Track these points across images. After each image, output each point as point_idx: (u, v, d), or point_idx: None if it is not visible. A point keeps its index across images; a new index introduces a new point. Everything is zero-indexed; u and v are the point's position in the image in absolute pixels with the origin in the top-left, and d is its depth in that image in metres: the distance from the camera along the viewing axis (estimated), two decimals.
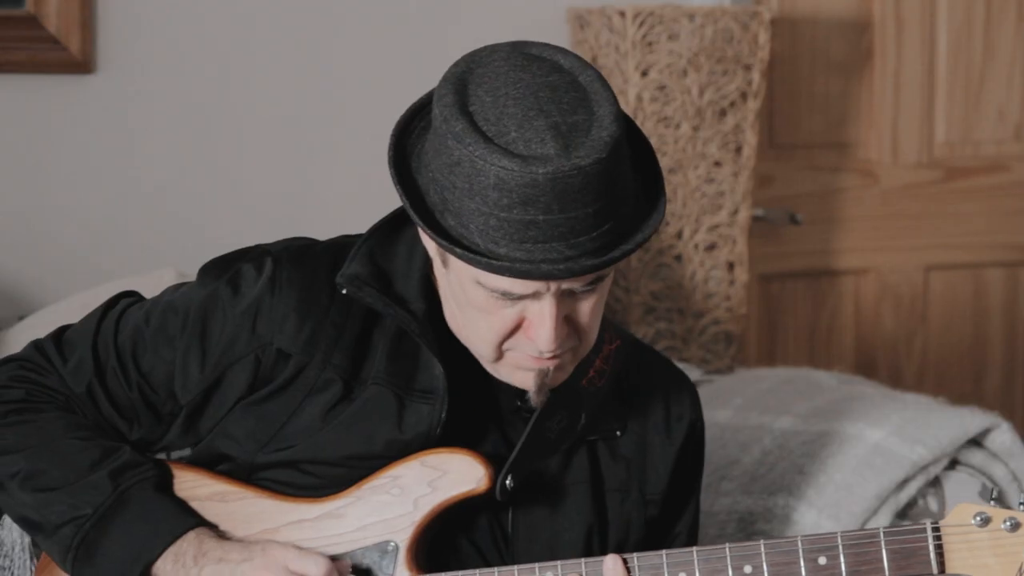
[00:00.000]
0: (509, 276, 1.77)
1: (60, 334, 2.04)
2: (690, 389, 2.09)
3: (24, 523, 1.96)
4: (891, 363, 4.04)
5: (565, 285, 1.80)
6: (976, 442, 2.72)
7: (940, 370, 4.08)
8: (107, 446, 1.96)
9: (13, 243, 3.12)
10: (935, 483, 2.68)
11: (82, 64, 3.13)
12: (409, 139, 1.88)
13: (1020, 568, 1.84)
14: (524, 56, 1.81)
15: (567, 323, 1.83)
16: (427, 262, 1.95)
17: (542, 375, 1.86)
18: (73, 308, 2.77)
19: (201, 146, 3.27)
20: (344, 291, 1.93)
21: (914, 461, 2.63)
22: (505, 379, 1.91)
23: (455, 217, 1.78)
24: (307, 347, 1.93)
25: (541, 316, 1.80)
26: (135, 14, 3.19)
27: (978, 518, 1.84)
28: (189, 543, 1.91)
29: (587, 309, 1.84)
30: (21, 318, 2.94)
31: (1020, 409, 4.17)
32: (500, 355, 1.86)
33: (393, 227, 1.99)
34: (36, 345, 2.04)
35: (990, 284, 4.12)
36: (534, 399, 1.89)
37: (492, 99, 1.77)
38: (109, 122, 3.19)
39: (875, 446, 2.66)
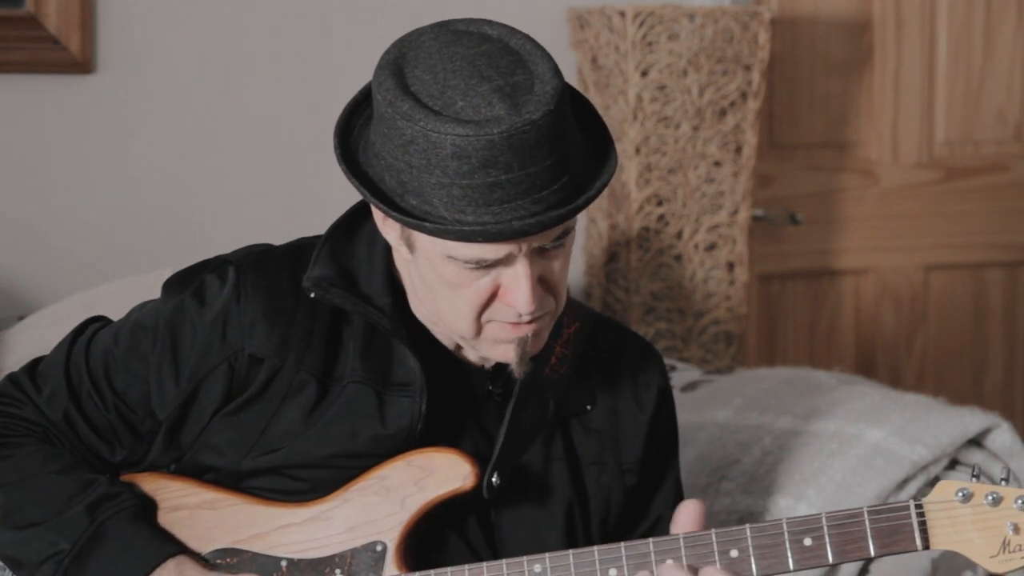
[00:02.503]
0: (482, 241, 1.78)
1: (34, 366, 2.05)
2: (655, 357, 2.11)
3: (8, 562, 1.96)
4: (891, 363, 4.04)
5: (536, 243, 1.82)
6: (976, 442, 2.72)
7: (940, 370, 4.08)
8: (83, 479, 1.95)
9: (13, 243, 3.12)
10: (935, 483, 2.68)
11: (82, 64, 3.14)
12: (351, 136, 1.90)
13: (1004, 542, 1.85)
14: (452, 32, 1.84)
15: (540, 284, 1.85)
16: (388, 256, 1.97)
17: (522, 343, 1.88)
18: (73, 308, 2.77)
19: (201, 146, 3.27)
20: (312, 295, 1.94)
21: (914, 461, 2.63)
22: (485, 355, 1.92)
23: (416, 196, 1.79)
24: (279, 350, 1.94)
25: (516, 279, 1.82)
26: (135, 14, 3.19)
27: (960, 494, 1.86)
28: (168, 573, 1.91)
29: (557, 267, 1.87)
30: (21, 318, 2.94)
31: (1020, 409, 4.17)
32: (480, 329, 1.88)
33: (350, 226, 2.00)
34: (10, 378, 2.04)
35: (990, 284, 4.12)
36: (517, 370, 1.91)
37: (431, 76, 1.80)
38: (109, 122, 3.19)
39: (875, 446, 2.66)
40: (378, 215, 1.90)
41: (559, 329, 2.00)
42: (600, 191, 1.84)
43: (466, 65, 1.80)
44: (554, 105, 1.78)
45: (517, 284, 1.83)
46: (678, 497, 2.13)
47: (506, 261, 1.82)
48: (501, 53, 1.82)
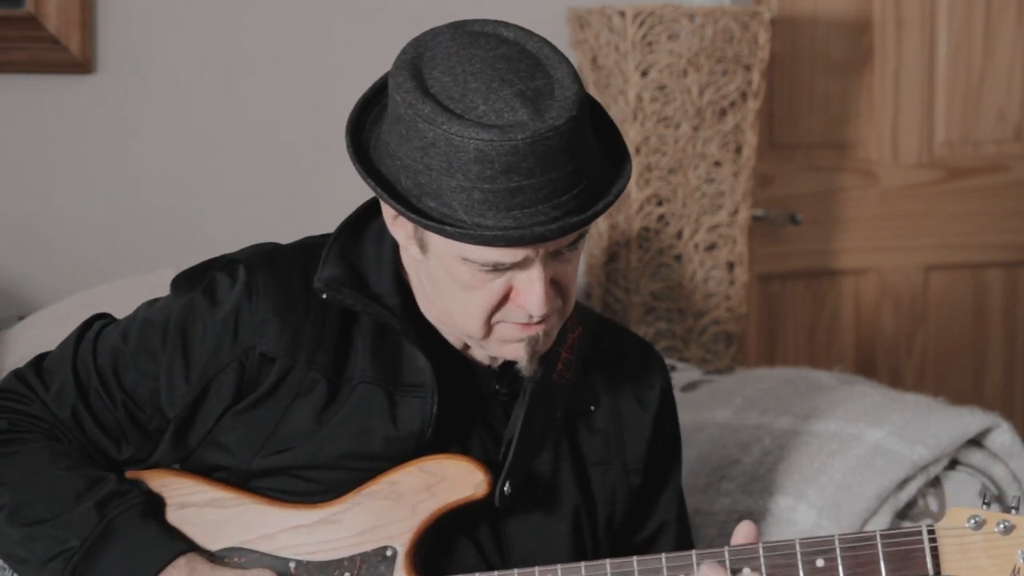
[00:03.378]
0: (502, 245, 1.78)
1: (39, 362, 2.04)
2: (657, 358, 2.12)
3: (12, 560, 1.95)
4: (891, 363, 4.04)
5: (552, 247, 1.82)
6: (976, 442, 2.71)
7: (940, 370, 4.08)
8: (92, 476, 1.95)
9: (13, 243, 3.12)
10: (935, 483, 2.68)
11: (82, 64, 3.13)
12: (362, 134, 1.89)
13: (1014, 570, 1.85)
14: (468, 34, 1.83)
15: (552, 286, 1.86)
16: (395, 256, 1.97)
17: (533, 343, 1.88)
18: (73, 308, 2.77)
19: (201, 146, 3.27)
20: (324, 295, 1.94)
21: (914, 461, 2.63)
22: (495, 354, 1.92)
23: (434, 198, 1.79)
24: (290, 349, 1.94)
25: (530, 282, 1.82)
26: (135, 14, 3.19)
27: (972, 521, 1.86)
28: (179, 570, 1.91)
29: (570, 270, 1.87)
30: (21, 318, 2.94)
31: (1020, 409, 4.17)
32: (489, 330, 1.88)
33: (357, 226, 2.00)
34: (16, 374, 2.03)
35: (990, 284, 4.12)
36: (527, 368, 1.91)
37: (451, 78, 1.79)
38: (109, 122, 3.19)
39: (875, 446, 2.65)
40: (388, 214, 1.89)
41: (564, 335, 2.00)
42: (618, 196, 1.84)
43: (486, 68, 1.79)
44: (576, 111, 1.78)
45: (531, 287, 1.83)
46: (680, 500, 2.13)
47: (522, 264, 1.82)
48: (519, 56, 1.81)
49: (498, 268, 1.82)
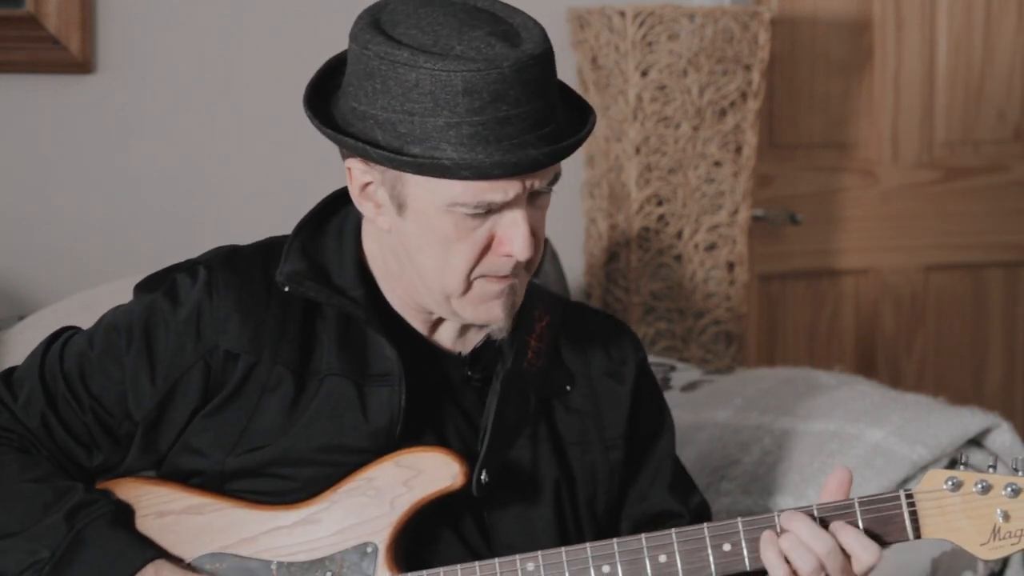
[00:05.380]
0: (499, 175, 1.79)
1: (8, 374, 2.04)
2: (628, 333, 2.12)
3: None
4: (891, 363, 4.04)
5: (539, 183, 1.84)
6: (976, 442, 2.72)
7: (940, 370, 4.08)
8: (60, 487, 1.94)
9: (13, 243, 3.12)
10: None
11: (82, 64, 3.13)
12: (321, 110, 1.91)
13: (994, 529, 1.86)
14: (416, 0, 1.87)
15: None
16: (357, 248, 1.98)
17: (509, 299, 1.90)
18: (73, 308, 2.77)
19: (201, 146, 3.27)
20: (286, 288, 1.95)
21: (914, 461, 2.63)
22: (470, 317, 1.92)
23: (419, 144, 1.80)
24: (253, 345, 1.94)
25: (515, 224, 1.84)
26: (135, 14, 3.19)
27: (950, 483, 1.87)
28: None
29: (541, 217, 1.89)
30: (21, 318, 2.94)
31: (1020, 409, 4.17)
32: (468, 287, 1.88)
33: (317, 223, 2.02)
34: None
35: (990, 284, 4.12)
36: (505, 327, 1.92)
37: (418, 31, 1.82)
38: (109, 122, 3.19)
39: (875, 446, 2.66)
40: (357, 184, 1.91)
41: (532, 323, 2.02)
42: (592, 128, 1.88)
43: (449, 18, 1.83)
44: (548, 44, 1.82)
45: (516, 229, 1.84)
46: (676, 475, 2.12)
47: (509, 204, 1.83)
48: (475, 11, 1.85)
49: (490, 210, 1.83)
